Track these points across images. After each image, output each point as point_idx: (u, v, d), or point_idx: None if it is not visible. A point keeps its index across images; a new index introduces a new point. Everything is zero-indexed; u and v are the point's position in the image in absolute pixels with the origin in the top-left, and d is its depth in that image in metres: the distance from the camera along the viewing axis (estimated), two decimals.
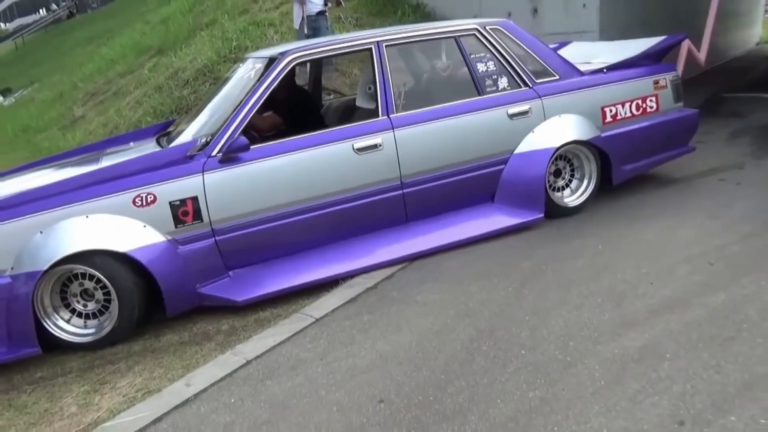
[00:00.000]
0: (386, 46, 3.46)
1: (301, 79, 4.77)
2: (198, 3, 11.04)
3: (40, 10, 46.01)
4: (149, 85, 7.80)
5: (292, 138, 3.22)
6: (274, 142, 3.20)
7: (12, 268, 2.70)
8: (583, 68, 4.06)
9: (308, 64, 4.72)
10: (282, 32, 7.91)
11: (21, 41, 29.02)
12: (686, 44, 4.46)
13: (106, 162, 3.33)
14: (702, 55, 4.62)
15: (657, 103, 4.03)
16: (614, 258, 3.29)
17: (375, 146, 3.30)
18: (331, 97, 4.67)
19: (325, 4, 6.39)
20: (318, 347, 2.72)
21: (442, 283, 3.21)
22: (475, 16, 7.94)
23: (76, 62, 13.52)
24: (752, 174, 4.42)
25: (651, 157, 4.11)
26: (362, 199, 3.32)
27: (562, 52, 4.94)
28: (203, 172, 2.98)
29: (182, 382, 2.58)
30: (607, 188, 4.04)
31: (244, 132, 3.76)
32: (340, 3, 6.60)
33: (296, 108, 3.93)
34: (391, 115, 3.38)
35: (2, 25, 57.63)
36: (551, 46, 5.11)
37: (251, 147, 3.09)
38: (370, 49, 3.43)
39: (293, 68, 3.90)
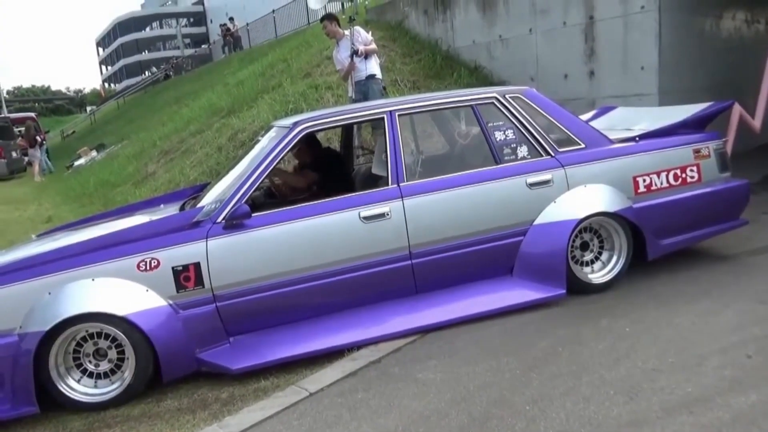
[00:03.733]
0: (399, 115, 3.45)
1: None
2: (270, 67, 11.68)
3: (146, 72, 50.63)
4: (212, 145, 8.23)
5: (297, 206, 3.23)
6: (279, 209, 3.23)
7: (20, 327, 2.82)
8: (619, 135, 3.86)
9: (342, 130, 4.81)
10: (339, 95, 8.17)
11: (122, 101, 31.84)
12: (737, 110, 4.15)
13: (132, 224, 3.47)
14: (757, 122, 4.28)
15: (699, 173, 3.74)
16: (640, 343, 3.00)
17: (382, 215, 3.25)
18: (362, 161, 4.69)
19: (354, 55, 6.19)
20: (303, 425, 2.62)
21: (449, 361, 3.04)
22: (531, 79, 7.92)
23: (160, 121, 14.58)
24: None
25: (693, 232, 3.79)
26: (368, 268, 3.25)
27: (606, 117, 4.77)
28: (207, 238, 3.03)
29: None
30: (648, 264, 3.75)
31: (270, 195, 3.86)
32: (363, 54, 6.22)
33: (325, 171, 3.99)
34: (401, 184, 3.33)
35: (114, 85, 63.79)
36: (596, 110, 4.98)
37: (256, 214, 3.13)
38: (383, 118, 3.43)
39: (314, 136, 4.00)
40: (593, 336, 3.11)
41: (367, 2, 11.99)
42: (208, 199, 3.42)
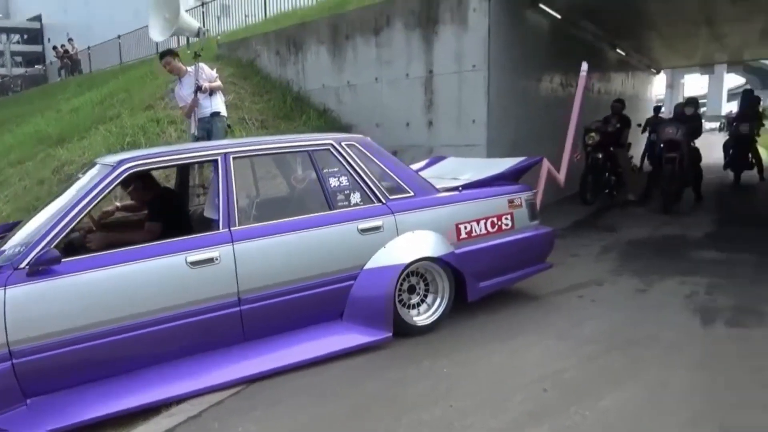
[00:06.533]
0: (234, 158, 3.42)
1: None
2: (109, 96, 10.96)
3: None
4: (33, 177, 7.47)
5: (116, 250, 3.03)
6: (96, 254, 3.01)
7: None
8: (446, 184, 4.16)
9: (178, 169, 4.63)
10: (182, 130, 7.86)
11: None
12: (546, 165, 4.69)
13: None
14: (561, 176, 4.86)
15: (512, 221, 4.14)
16: (458, 383, 3.18)
17: (211, 260, 3.15)
18: (202, 200, 4.53)
19: (198, 91, 6.05)
20: None
21: (272, 411, 2.97)
22: (376, 125, 8.26)
23: None
24: (608, 291, 4.55)
25: (507, 275, 4.15)
26: (194, 316, 3.11)
27: (438, 166, 5.10)
28: (5, 286, 2.72)
29: None
30: (468, 305, 4.02)
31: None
32: (207, 91, 6.18)
33: (165, 212, 3.78)
34: (232, 228, 3.27)
35: None
36: (428, 160, 5.32)
37: (69, 259, 2.89)
38: (216, 160, 3.38)
39: (149, 174, 3.82)
40: (416, 377, 3.25)
41: (218, 37, 11.82)
42: (14, 241, 3.10)
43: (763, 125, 11.69)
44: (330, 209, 3.60)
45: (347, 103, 8.72)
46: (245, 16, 12.64)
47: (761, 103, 13.58)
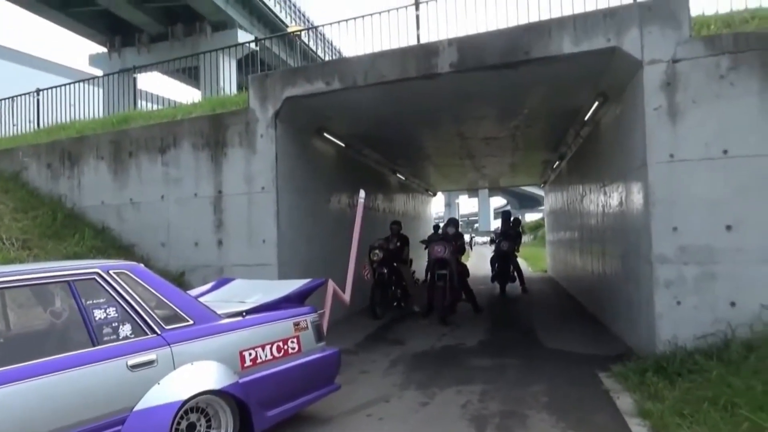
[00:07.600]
0: None
1: None
2: None
3: None
4: None
5: None
6: None
7: None
8: (231, 309, 4.01)
9: None
10: None
11: None
12: (331, 286, 4.83)
13: None
14: (347, 296, 5.03)
15: (299, 344, 4.12)
16: None
17: None
18: None
19: None
20: None
21: None
22: (162, 245, 7.88)
23: None
24: (395, 407, 4.67)
25: (296, 400, 4.04)
26: None
27: (224, 290, 4.93)
28: None
29: None
30: None
31: None
32: None
33: None
34: None
35: None
36: (214, 283, 5.13)
37: None
38: None
39: None
40: None
41: None
42: None
43: (521, 242, 13.65)
44: (93, 345, 3.20)
45: (129, 222, 8.21)
46: (13, 125, 11.48)
47: (520, 222, 15.88)
